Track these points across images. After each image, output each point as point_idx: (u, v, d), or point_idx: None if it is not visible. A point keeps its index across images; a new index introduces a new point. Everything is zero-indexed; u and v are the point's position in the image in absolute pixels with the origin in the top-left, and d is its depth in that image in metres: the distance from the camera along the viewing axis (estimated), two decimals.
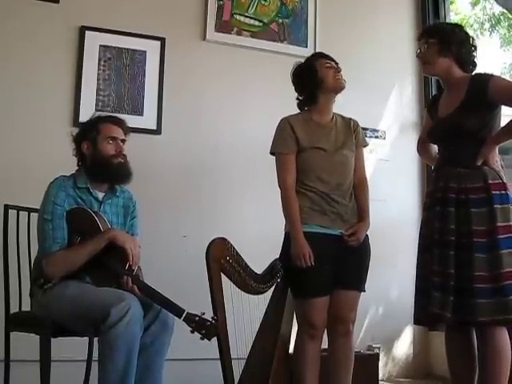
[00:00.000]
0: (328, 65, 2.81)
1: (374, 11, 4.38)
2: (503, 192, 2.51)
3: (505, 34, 5.86)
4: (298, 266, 2.64)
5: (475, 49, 2.70)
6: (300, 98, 2.90)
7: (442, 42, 2.63)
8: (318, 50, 3.85)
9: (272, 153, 2.83)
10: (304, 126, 2.80)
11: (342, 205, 2.73)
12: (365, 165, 2.92)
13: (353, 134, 2.86)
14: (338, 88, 2.83)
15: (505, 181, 2.55)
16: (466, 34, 2.72)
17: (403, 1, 4.53)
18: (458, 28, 2.75)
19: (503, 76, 2.98)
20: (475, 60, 2.70)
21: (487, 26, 5.84)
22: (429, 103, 2.99)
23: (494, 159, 2.57)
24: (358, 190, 2.83)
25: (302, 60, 2.93)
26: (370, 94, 4.17)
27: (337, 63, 2.86)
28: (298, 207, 2.70)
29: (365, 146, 2.95)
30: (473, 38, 2.72)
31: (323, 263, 2.65)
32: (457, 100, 2.60)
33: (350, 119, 2.92)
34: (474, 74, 2.67)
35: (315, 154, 2.75)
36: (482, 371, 2.50)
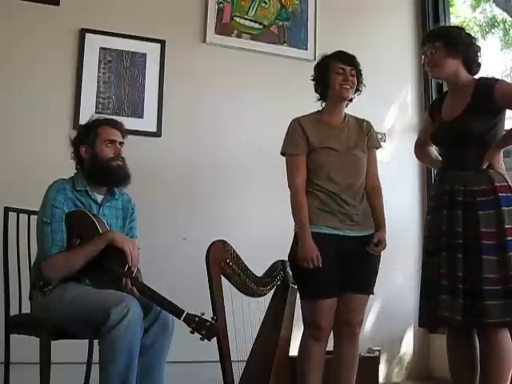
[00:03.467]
0: (340, 70, 2.77)
1: (374, 14, 4.38)
2: (509, 194, 2.52)
3: (505, 37, 5.87)
4: (306, 267, 2.61)
5: (479, 49, 2.70)
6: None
7: (449, 43, 2.63)
8: (317, 53, 3.89)
9: (282, 153, 2.81)
10: (315, 126, 2.78)
11: (351, 205, 2.70)
12: (377, 167, 2.88)
13: (365, 136, 2.83)
14: (341, 98, 2.80)
15: (510, 184, 2.57)
16: (470, 35, 2.74)
17: (403, 4, 4.54)
18: (462, 30, 2.76)
19: (504, 79, 2.98)
20: (480, 61, 2.70)
21: (487, 28, 5.85)
22: (431, 106, 2.98)
23: (499, 162, 2.58)
24: (373, 197, 2.79)
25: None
26: (370, 96, 4.11)
27: (353, 67, 2.80)
28: (307, 209, 2.67)
29: (378, 148, 2.91)
30: (476, 39, 2.73)
31: (330, 265, 2.62)
32: (462, 103, 2.61)
33: (364, 120, 2.89)
34: (479, 77, 2.67)
35: (326, 154, 2.72)
36: (484, 372, 2.51)
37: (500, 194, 2.50)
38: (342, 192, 2.70)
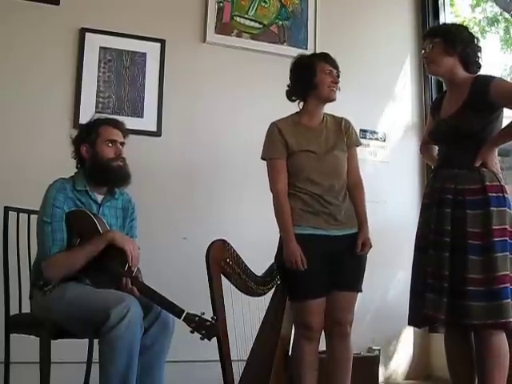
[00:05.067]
0: (328, 71, 2.78)
1: (374, 13, 4.38)
2: (500, 195, 2.51)
3: (505, 36, 5.86)
4: (291, 269, 2.63)
5: (480, 50, 2.70)
6: (290, 87, 2.89)
7: (447, 41, 2.63)
8: (318, 52, 3.89)
9: (263, 158, 2.83)
10: (293, 129, 2.79)
11: (334, 205, 2.71)
12: (358, 164, 2.88)
13: (344, 135, 2.82)
14: (329, 99, 2.81)
15: (503, 183, 2.55)
16: (471, 34, 2.73)
17: (403, 3, 4.53)
18: (463, 28, 2.77)
19: (502, 77, 2.97)
20: (479, 61, 2.69)
21: (487, 28, 5.84)
22: (432, 104, 2.98)
23: (493, 161, 2.57)
24: (355, 193, 2.81)
25: (308, 53, 2.90)
26: (369, 95, 4.17)
27: (338, 71, 2.83)
28: (289, 212, 2.69)
29: (358, 146, 2.91)
30: (477, 39, 2.72)
31: (317, 265, 2.63)
32: (459, 101, 2.61)
33: (342, 119, 2.88)
34: (477, 75, 2.66)
35: (305, 157, 2.73)
36: (481, 373, 2.50)
37: (490, 194, 2.49)
38: (325, 193, 2.71)
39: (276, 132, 2.78)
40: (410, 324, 2.71)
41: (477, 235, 2.46)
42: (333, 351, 2.74)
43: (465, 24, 5.59)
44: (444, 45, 2.63)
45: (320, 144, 2.77)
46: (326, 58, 2.84)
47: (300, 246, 2.64)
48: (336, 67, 2.82)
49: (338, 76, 2.83)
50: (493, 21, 5.80)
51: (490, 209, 2.47)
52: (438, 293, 2.46)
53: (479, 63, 2.69)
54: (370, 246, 2.75)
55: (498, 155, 2.65)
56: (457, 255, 2.47)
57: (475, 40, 2.70)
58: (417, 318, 2.61)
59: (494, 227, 2.45)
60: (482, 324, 2.41)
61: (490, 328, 2.43)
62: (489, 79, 2.58)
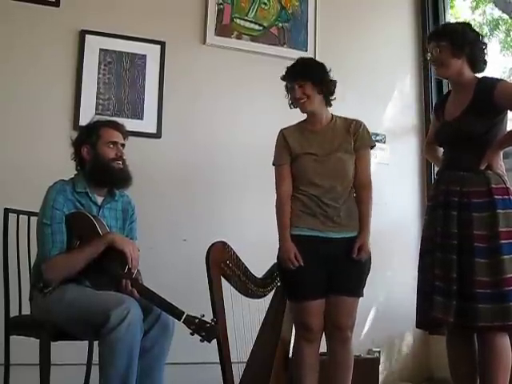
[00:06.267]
0: (291, 88, 2.80)
1: (374, 15, 4.38)
2: (506, 197, 2.50)
3: (505, 39, 5.86)
4: (287, 267, 2.64)
5: (486, 46, 2.68)
6: None
7: (455, 43, 2.61)
8: (317, 54, 3.95)
9: (273, 164, 2.87)
10: (297, 134, 2.83)
11: (332, 207, 2.70)
12: (369, 167, 2.85)
13: (351, 137, 2.80)
14: (303, 112, 2.84)
15: (508, 185, 2.55)
16: (477, 32, 2.71)
17: (403, 5, 4.54)
18: (468, 27, 2.73)
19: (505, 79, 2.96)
20: (486, 58, 2.68)
21: (487, 30, 5.85)
22: (436, 105, 2.97)
23: (498, 163, 2.56)
24: (360, 194, 2.79)
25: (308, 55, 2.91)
26: (369, 97, 4.17)
27: (301, 78, 2.76)
28: (288, 213, 2.72)
29: (372, 147, 2.87)
30: (482, 36, 2.71)
31: (313, 266, 2.64)
32: (463, 103, 2.60)
33: (353, 121, 2.85)
34: (481, 77, 2.66)
35: (307, 160, 2.76)
36: (483, 376, 2.50)
37: (496, 197, 2.48)
38: (324, 194, 2.71)
39: (281, 138, 2.85)
40: (417, 327, 2.70)
41: (483, 238, 2.46)
42: (334, 354, 2.74)
43: None
44: (451, 48, 2.61)
45: (322, 146, 2.78)
46: (286, 73, 2.83)
47: (297, 247, 2.66)
48: (295, 79, 2.77)
49: (313, 79, 2.75)
50: (493, 24, 5.80)
51: (497, 211, 2.47)
52: (447, 295, 2.46)
53: (486, 60, 2.67)
54: (368, 253, 2.72)
55: None
56: (464, 258, 2.47)
57: (480, 37, 2.68)
58: (425, 320, 2.61)
59: (501, 229, 2.45)
60: (490, 326, 2.41)
61: (498, 330, 2.43)
62: (494, 82, 2.58)
